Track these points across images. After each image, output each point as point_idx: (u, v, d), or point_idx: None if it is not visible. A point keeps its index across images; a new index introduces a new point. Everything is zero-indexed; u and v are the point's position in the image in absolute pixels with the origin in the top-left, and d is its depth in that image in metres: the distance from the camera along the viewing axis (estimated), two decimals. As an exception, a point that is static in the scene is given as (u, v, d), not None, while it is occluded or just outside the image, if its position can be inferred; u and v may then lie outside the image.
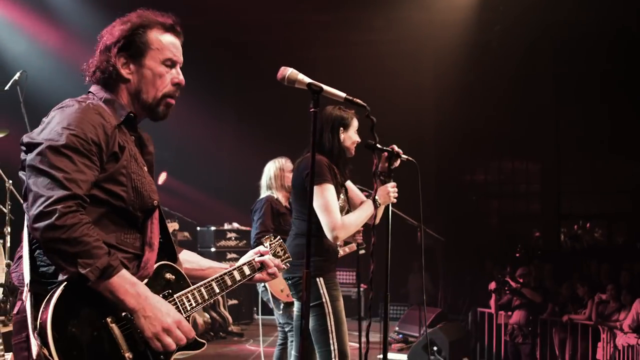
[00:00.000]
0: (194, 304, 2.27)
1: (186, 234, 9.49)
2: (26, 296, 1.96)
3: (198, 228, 9.91)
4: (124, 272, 1.99)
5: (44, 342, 1.86)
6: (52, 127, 2.03)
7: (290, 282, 3.96)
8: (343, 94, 2.66)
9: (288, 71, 2.58)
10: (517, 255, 8.74)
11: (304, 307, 2.56)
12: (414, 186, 3.88)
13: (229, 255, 9.65)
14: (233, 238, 9.87)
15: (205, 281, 2.36)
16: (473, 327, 8.58)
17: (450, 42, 10.04)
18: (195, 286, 2.30)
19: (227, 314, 8.95)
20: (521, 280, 8.14)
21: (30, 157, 2.00)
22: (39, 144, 1.99)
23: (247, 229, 10.05)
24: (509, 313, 8.07)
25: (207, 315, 8.55)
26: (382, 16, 10.12)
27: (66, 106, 2.12)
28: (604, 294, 7.38)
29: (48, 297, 1.92)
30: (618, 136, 11.07)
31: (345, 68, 10.31)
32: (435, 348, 7.24)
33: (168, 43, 2.29)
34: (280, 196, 5.54)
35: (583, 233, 12.29)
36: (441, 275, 9.68)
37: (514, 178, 12.88)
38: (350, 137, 3.98)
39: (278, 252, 2.78)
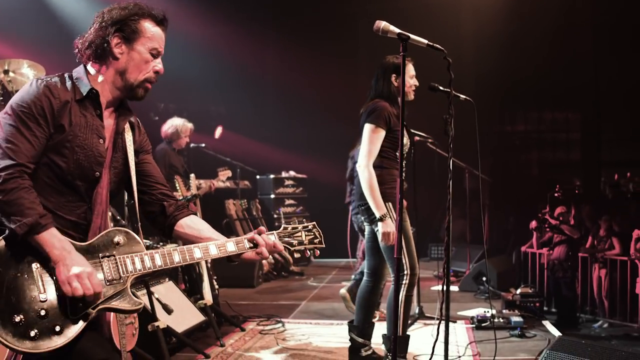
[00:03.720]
0: (138, 267, 2.43)
1: (247, 182, 10.05)
2: None
3: (258, 177, 10.49)
4: (53, 230, 2.27)
5: None
6: (12, 101, 2.38)
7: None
8: (425, 40, 3.25)
9: (382, 24, 3.18)
10: (557, 195, 9.10)
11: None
12: (464, 130, 4.31)
13: (287, 202, 10.31)
14: (290, 185, 10.51)
15: (167, 248, 2.56)
16: (517, 265, 8.99)
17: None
18: (147, 252, 2.46)
19: (288, 255, 9.55)
20: (561, 219, 8.53)
21: None
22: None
23: (303, 176, 10.69)
24: (550, 251, 8.46)
25: (270, 257, 9.23)
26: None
27: (28, 84, 2.42)
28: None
29: None
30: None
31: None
32: (484, 278, 7.78)
33: (157, 35, 2.55)
34: None
35: (625, 181, 12.31)
36: (486, 217, 10.09)
37: (554, 127, 13.02)
38: (406, 81, 4.33)
39: (297, 236, 2.73)
